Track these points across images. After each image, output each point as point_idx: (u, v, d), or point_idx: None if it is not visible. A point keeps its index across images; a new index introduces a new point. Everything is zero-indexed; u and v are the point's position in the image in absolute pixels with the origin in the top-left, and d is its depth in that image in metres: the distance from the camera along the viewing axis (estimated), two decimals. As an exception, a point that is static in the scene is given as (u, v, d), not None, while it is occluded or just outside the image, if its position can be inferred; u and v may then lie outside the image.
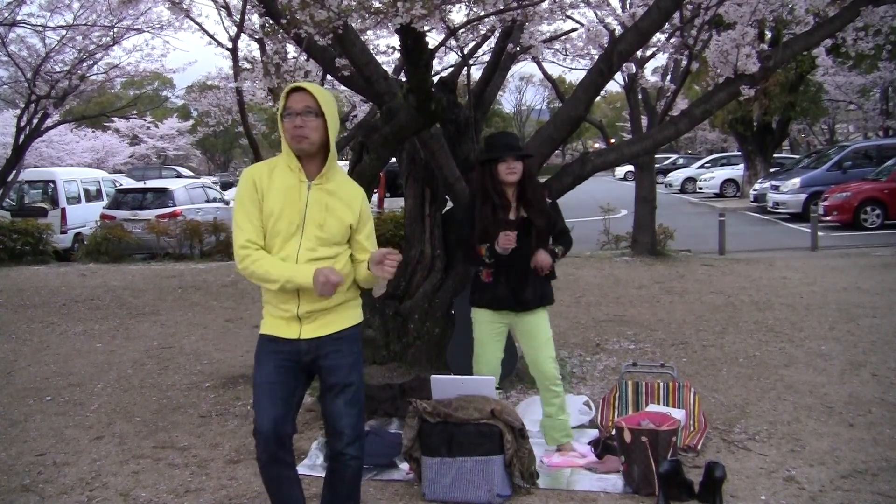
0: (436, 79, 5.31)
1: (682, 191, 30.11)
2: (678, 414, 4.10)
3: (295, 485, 3.01)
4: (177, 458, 4.24)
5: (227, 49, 6.13)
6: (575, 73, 28.37)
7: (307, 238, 2.85)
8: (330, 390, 2.95)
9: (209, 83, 14.41)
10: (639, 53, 8.96)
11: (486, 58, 6.85)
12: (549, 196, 4.09)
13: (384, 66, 5.75)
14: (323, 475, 3.84)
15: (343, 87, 8.04)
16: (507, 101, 55.09)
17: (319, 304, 2.88)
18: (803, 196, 17.47)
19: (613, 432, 3.92)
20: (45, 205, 15.28)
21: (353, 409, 2.96)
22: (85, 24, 11.57)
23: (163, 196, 15.03)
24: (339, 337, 2.94)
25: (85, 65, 12.44)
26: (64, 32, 11.69)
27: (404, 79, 5.43)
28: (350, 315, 3.00)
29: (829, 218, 15.58)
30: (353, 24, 4.72)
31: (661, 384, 4.50)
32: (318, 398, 3.13)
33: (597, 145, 37.11)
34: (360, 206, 2.98)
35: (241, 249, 2.86)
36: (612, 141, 13.56)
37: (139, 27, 11.69)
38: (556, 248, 4.03)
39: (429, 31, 5.33)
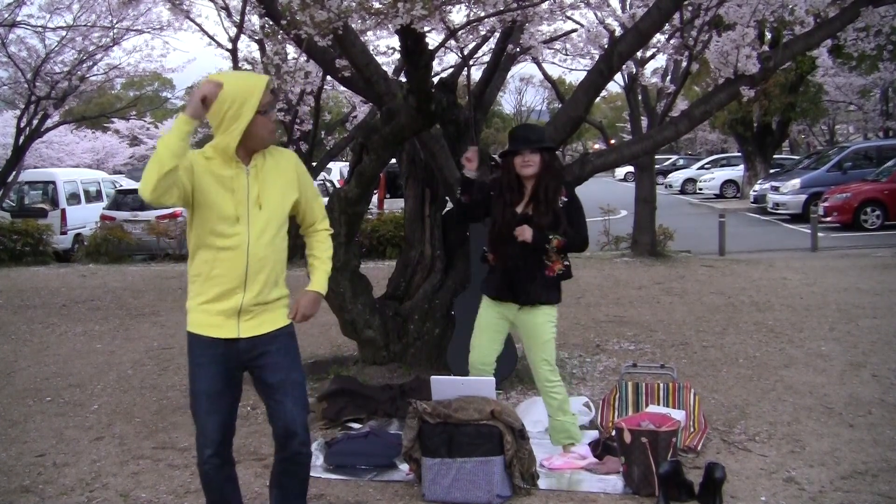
0: (436, 80, 5.31)
1: (682, 192, 30.08)
2: (678, 415, 4.10)
3: (236, 483, 3.01)
4: (177, 458, 4.24)
5: (227, 50, 6.17)
6: (575, 74, 28.28)
7: (254, 223, 2.79)
8: (274, 389, 2.88)
9: (209, 84, 14.41)
10: (639, 54, 8.99)
11: (486, 58, 6.86)
12: (566, 195, 3.93)
13: (384, 67, 5.76)
14: (322, 475, 3.88)
15: (343, 88, 8.05)
16: (507, 102, 55.07)
17: (263, 296, 2.82)
18: (803, 197, 17.47)
19: (613, 433, 3.92)
20: (45, 205, 15.26)
21: (301, 407, 2.92)
22: (84, 25, 11.59)
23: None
24: (277, 334, 2.88)
25: (85, 65, 12.46)
26: (64, 33, 11.71)
27: (404, 80, 5.44)
28: (283, 314, 2.94)
29: (829, 219, 15.57)
30: (353, 25, 4.72)
31: (661, 385, 4.50)
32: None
33: (597, 146, 37.03)
34: (294, 169, 2.93)
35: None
36: (613, 142, 13.58)
37: (139, 28, 11.72)
38: (551, 234, 3.84)
39: (429, 31, 5.34)
